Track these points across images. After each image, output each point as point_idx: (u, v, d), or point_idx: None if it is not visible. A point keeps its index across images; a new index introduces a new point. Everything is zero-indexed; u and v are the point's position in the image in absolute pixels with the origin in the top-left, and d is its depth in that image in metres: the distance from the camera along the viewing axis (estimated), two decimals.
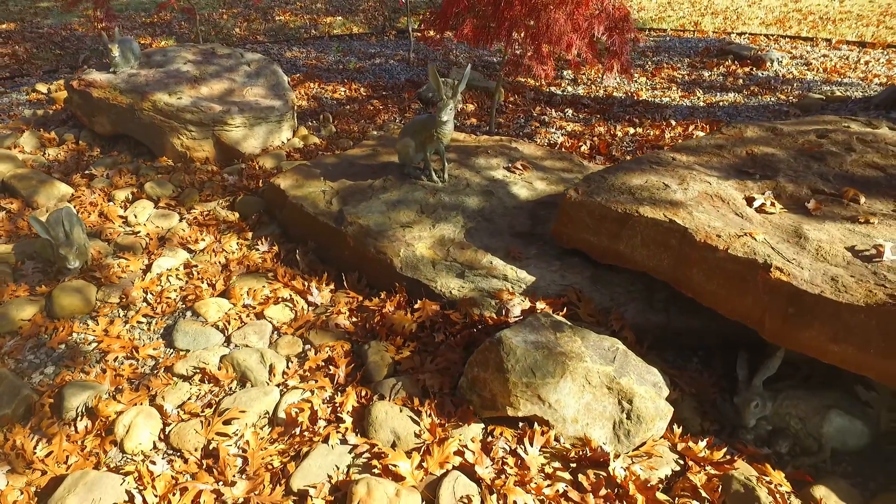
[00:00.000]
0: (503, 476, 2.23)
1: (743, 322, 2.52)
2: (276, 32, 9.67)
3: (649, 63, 8.11)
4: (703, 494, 2.19)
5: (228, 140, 4.80)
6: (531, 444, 2.33)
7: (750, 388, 2.56)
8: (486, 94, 6.60)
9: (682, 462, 2.37)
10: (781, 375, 2.64)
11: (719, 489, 2.19)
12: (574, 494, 2.18)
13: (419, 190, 3.66)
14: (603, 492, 2.18)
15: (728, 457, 2.36)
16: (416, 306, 3.01)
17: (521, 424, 2.41)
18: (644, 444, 2.40)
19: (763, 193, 2.87)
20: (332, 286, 3.36)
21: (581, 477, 2.22)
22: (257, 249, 3.67)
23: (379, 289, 3.25)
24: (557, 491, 2.19)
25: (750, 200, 2.81)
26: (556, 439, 2.38)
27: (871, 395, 2.55)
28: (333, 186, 3.80)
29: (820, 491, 2.25)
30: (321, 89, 6.88)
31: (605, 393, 2.37)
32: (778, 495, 2.14)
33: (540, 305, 2.88)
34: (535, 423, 2.38)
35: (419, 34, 9.00)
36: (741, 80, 7.29)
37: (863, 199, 2.77)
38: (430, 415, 2.46)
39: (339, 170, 4.02)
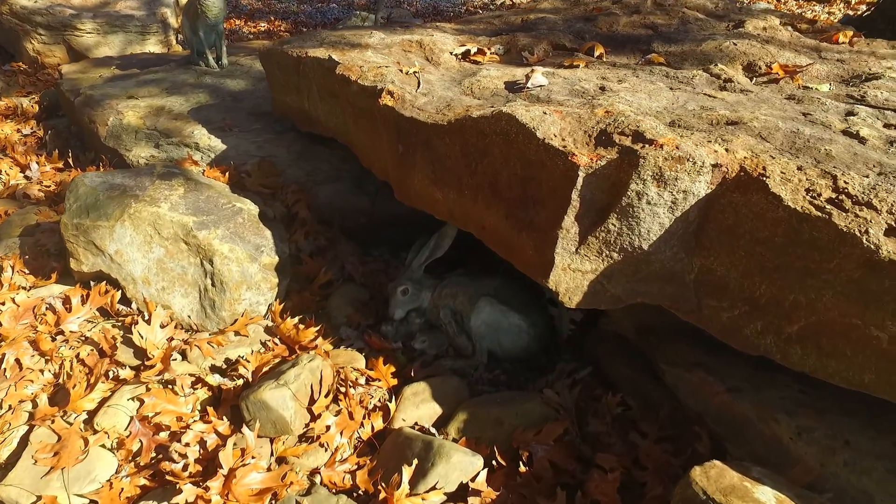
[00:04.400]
0: (28, 329, 1.82)
1: (385, 179, 1.97)
2: None
3: None
4: (244, 371, 1.69)
5: (79, 46, 4.61)
6: (83, 304, 1.89)
7: (403, 272, 2.01)
8: None
9: (269, 344, 1.87)
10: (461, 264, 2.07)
11: (269, 364, 1.69)
12: (92, 358, 1.74)
13: (187, 73, 3.28)
14: (121, 355, 1.72)
15: (317, 341, 1.84)
16: None
17: (93, 284, 1.98)
18: (237, 321, 1.91)
19: (490, 48, 2.29)
20: (61, 164, 3.04)
21: (101, 337, 1.77)
22: (20, 132, 3.42)
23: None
24: (78, 354, 1.75)
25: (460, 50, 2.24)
26: (128, 303, 1.93)
27: None
28: (115, 72, 3.49)
29: (417, 387, 1.70)
30: (246, 25, 6.65)
31: (182, 250, 1.90)
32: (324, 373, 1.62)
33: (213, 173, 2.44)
34: (105, 283, 1.95)
35: None
36: None
37: (600, 51, 2.14)
38: (13, 270, 2.08)
39: (139, 62, 3.70)
